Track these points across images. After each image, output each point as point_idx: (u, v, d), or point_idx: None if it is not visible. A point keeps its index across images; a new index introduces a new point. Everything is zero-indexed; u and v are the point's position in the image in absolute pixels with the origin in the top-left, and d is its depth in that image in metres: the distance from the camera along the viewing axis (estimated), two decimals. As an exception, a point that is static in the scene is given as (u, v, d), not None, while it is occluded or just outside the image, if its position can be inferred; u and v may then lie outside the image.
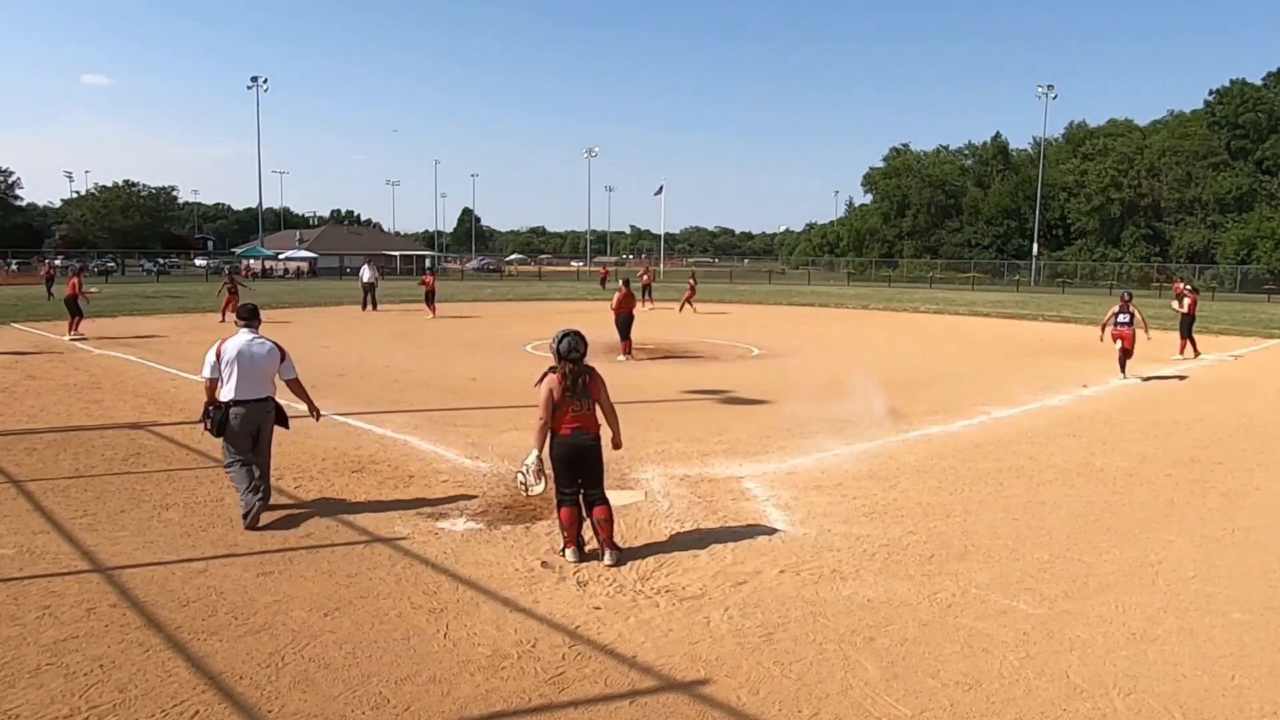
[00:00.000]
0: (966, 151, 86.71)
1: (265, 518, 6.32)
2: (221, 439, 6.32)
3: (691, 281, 32.25)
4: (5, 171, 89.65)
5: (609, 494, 5.87)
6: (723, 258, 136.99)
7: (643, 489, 7.28)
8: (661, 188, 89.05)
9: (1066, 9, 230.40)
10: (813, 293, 47.15)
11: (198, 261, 74.56)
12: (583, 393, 5.56)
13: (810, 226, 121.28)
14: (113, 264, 64.72)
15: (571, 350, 5.59)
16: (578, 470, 5.60)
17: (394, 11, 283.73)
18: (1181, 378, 14.89)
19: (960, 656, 4.31)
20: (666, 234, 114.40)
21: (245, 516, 6.14)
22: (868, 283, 64.79)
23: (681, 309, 30.09)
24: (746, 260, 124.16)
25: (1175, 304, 17.91)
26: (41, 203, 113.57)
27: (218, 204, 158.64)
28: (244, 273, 63.03)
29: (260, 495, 6.21)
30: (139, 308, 28.19)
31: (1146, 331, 14.44)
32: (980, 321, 28.56)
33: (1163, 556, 5.81)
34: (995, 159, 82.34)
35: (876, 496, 7.16)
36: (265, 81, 68.69)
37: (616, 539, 5.70)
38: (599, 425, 5.69)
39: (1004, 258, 70.57)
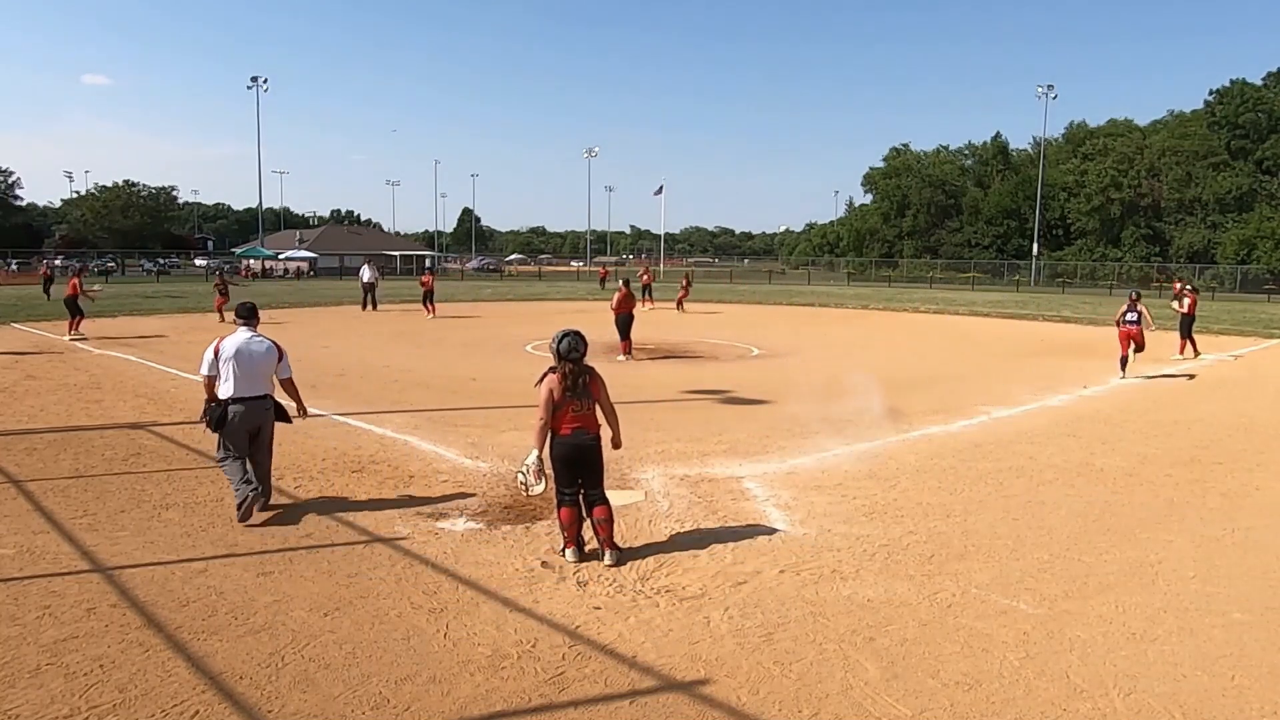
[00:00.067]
0: (966, 151, 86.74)
1: (265, 517, 6.34)
2: (219, 435, 6.36)
3: (685, 281, 32.84)
4: (5, 171, 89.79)
5: (609, 494, 5.87)
6: (723, 258, 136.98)
7: (643, 489, 7.28)
8: (661, 188, 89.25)
9: (1066, 9, 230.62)
10: (813, 293, 47.15)
11: (198, 261, 74.54)
12: (583, 393, 5.56)
13: (810, 226, 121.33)
14: (113, 264, 64.72)
15: (571, 350, 5.59)
16: (578, 470, 5.60)
17: (394, 11, 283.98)
18: (1190, 376, 14.99)
19: (960, 656, 4.31)
20: (666, 234, 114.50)
21: (239, 507, 6.18)
22: (868, 283, 64.79)
23: (679, 306, 30.53)
24: (746, 260, 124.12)
25: (1175, 304, 17.92)
26: (41, 203, 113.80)
27: (218, 204, 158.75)
28: (244, 273, 63.14)
29: (254, 486, 6.24)
30: (139, 308, 28.19)
31: (1150, 327, 14.56)
32: (980, 321, 28.56)
33: (1163, 556, 5.81)
34: (995, 159, 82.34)
35: (876, 496, 7.16)
36: (265, 81, 68.78)
37: (616, 539, 5.70)
38: (599, 425, 5.69)
39: (1004, 258, 70.57)
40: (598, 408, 5.68)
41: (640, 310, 21.10)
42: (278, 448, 6.97)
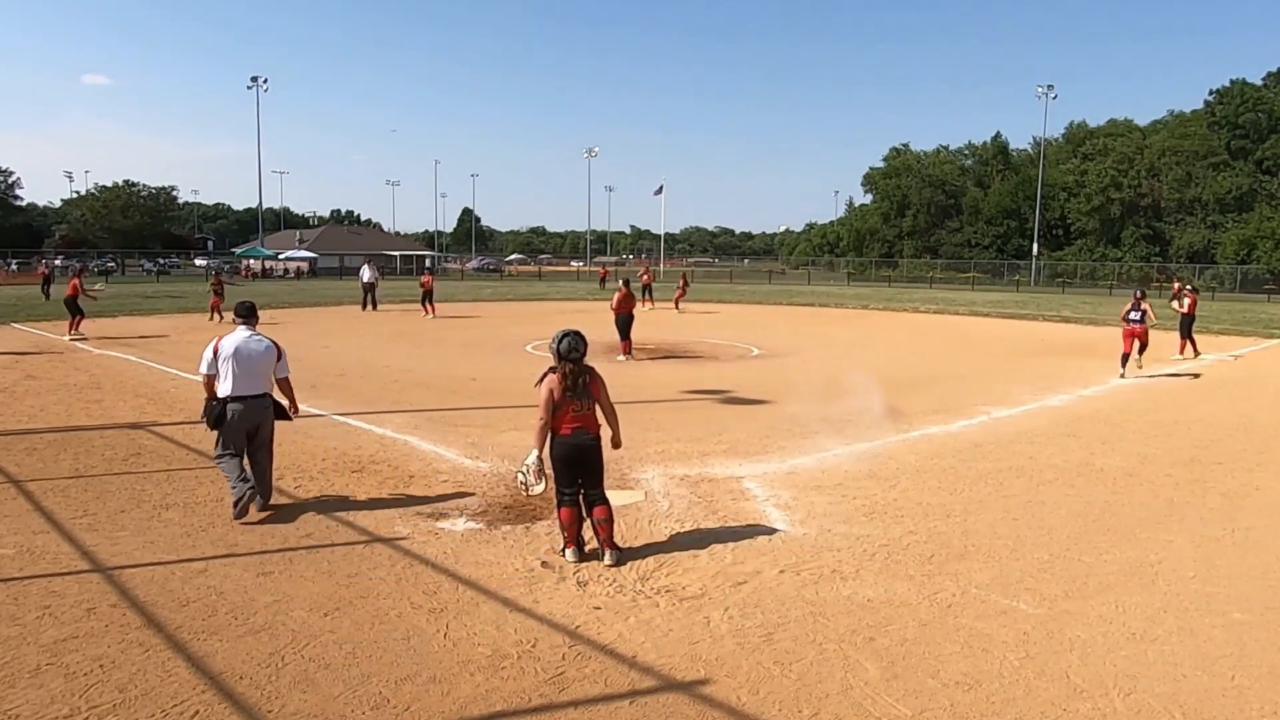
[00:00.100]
0: (966, 151, 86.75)
1: (261, 515, 6.35)
2: (217, 432, 6.41)
3: (682, 281, 33.26)
4: (5, 171, 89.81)
5: (609, 494, 5.87)
6: (723, 258, 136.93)
7: (643, 489, 7.28)
8: (661, 187, 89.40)
9: (1066, 9, 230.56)
10: (813, 293, 47.15)
11: (198, 261, 74.56)
12: (583, 393, 5.56)
13: (810, 226, 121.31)
14: (113, 264, 64.73)
15: (571, 350, 5.59)
16: (578, 470, 5.60)
17: (394, 11, 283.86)
18: (1196, 375, 15.05)
19: (960, 656, 4.31)
20: (666, 234, 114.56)
21: (235, 505, 6.22)
22: (868, 283, 64.78)
23: (675, 305, 30.78)
24: (746, 260, 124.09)
25: (1175, 304, 17.92)
26: (41, 203, 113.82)
27: (218, 204, 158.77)
28: (244, 273, 63.14)
29: (250, 485, 6.28)
30: (139, 308, 28.18)
31: (1152, 321, 14.70)
32: (980, 321, 28.56)
33: (1163, 556, 5.81)
34: (995, 159, 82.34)
35: (876, 496, 7.16)
36: (265, 81, 68.81)
37: (616, 539, 5.70)
38: (599, 425, 5.69)
39: (1004, 258, 70.57)
40: (598, 408, 5.68)
41: (640, 310, 21.11)
42: (278, 448, 6.97)
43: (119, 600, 4.81)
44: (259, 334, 6.62)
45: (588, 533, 5.73)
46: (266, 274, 65.31)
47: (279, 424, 6.79)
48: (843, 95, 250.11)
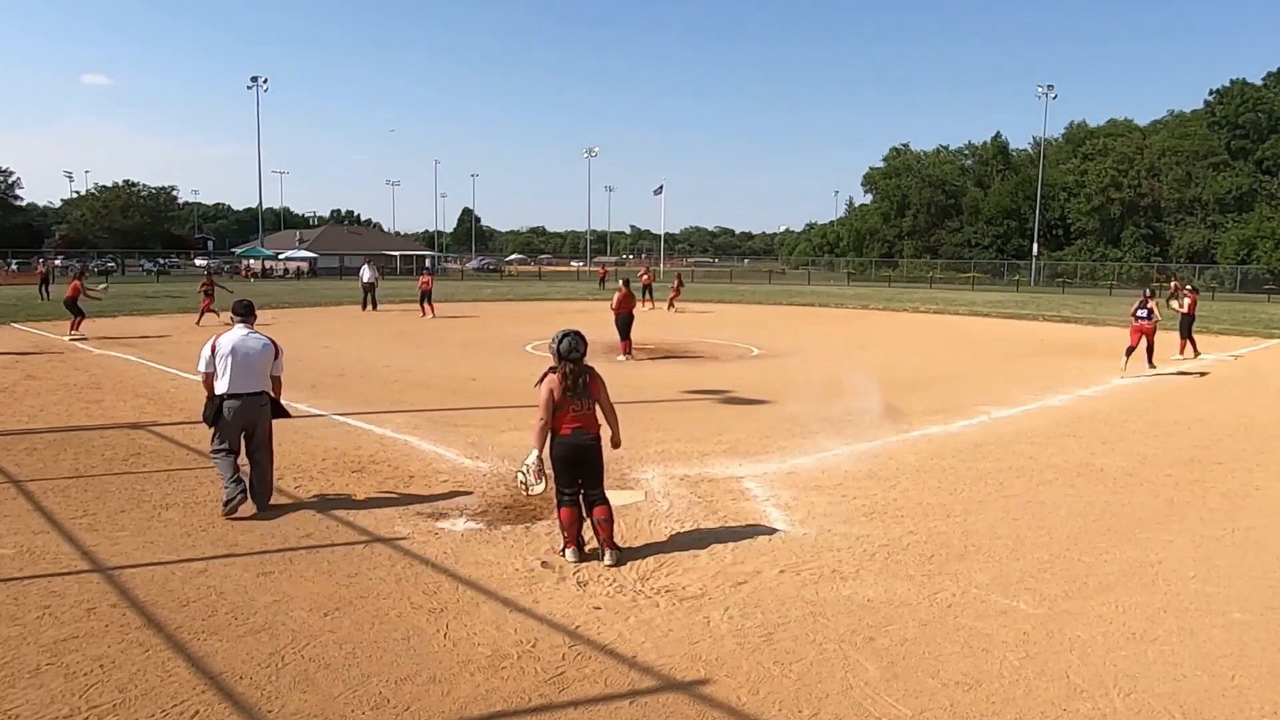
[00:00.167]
0: (966, 151, 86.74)
1: (261, 515, 6.34)
2: (213, 429, 6.47)
3: (677, 282, 33.55)
4: (5, 171, 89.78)
5: (609, 494, 5.87)
6: (723, 258, 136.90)
7: (643, 489, 7.28)
8: (661, 187, 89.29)
9: (1066, 9, 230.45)
10: (813, 293, 47.15)
11: (198, 261, 74.54)
12: (583, 393, 5.56)
13: (810, 226, 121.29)
14: (113, 264, 64.72)
15: (572, 350, 5.59)
16: (578, 470, 5.60)
17: (394, 11, 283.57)
18: (1203, 374, 15.18)
19: (960, 656, 4.31)
20: (666, 234, 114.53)
21: (225, 505, 6.31)
22: (868, 283, 64.79)
23: (670, 306, 30.84)
24: (746, 260, 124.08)
25: (1174, 303, 17.92)
26: (41, 203, 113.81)
27: (218, 204, 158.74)
28: (244, 273, 63.12)
29: (242, 487, 6.36)
30: (139, 308, 28.18)
31: (1158, 319, 15.09)
32: (980, 321, 28.56)
33: (1163, 556, 5.81)
34: (995, 159, 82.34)
35: (876, 496, 7.16)
36: (265, 81, 68.88)
37: (616, 539, 5.70)
38: (599, 425, 5.70)
39: (1004, 258, 70.57)
40: (598, 408, 5.68)
41: (640, 310, 21.11)
42: (277, 448, 6.97)
43: (119, 600, 4.81)
44: (256, 332, 6.66)
45: (588, 533, 5.73)
46: (266, 274, 65.31)
47: (279, 424, 6.84)
48: (843, 95, 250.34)
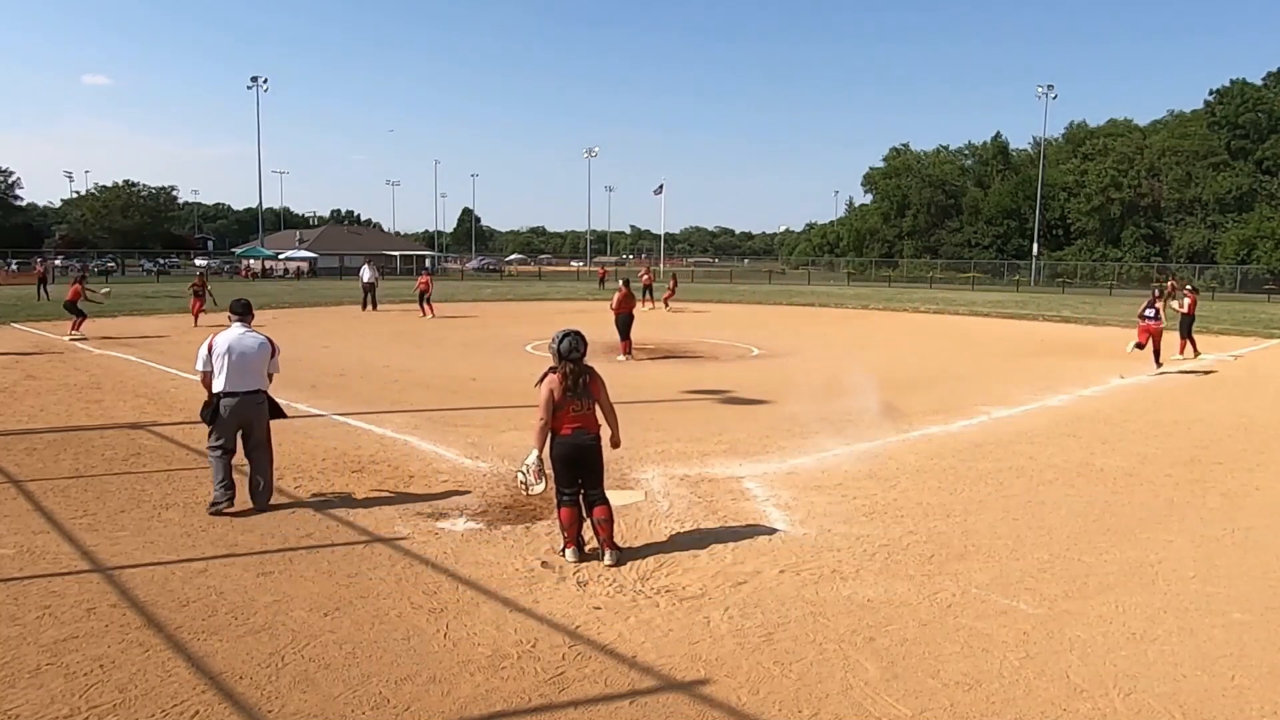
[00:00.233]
0: (966, 151, 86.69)
1: (266, 517, 6.36)
2: (210, 426, 6.52)
3: (672, 283, 34.01)
4: (5, 171, 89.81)
5: (609, 494, 5.88)
6: (723, 258, 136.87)
7: (643, 489, 7.28)
8: (661, 187, 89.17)
9: (1066, 9, 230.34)
10: (813, 293, 47.14)
11: (198, 261, 74.42)
12: (583, 393, 5.56)
13: (810, 226, 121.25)
14: (113, 264, 64.73)
15: (572, 350, 5.59)
16: (578, 470, 5.60)
17: (394, 11, 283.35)
18: (1208, 373, 15.26)
19: (960, 656, 4.31)
20: (666, 234, 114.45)
21: (211, 506, 6.41)
22: (868, 283, 64.78)
23: (667, 304, 31.01)
24: (746, 260, 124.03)
25: (1174, 303, 17.91)
26: (41, 203, 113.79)
27: (218, 204, 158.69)
28: (244, 273, 63.10)
29: (231, 492, 6.44)
30: (139, 308, 28.17)
31: (1163, 321, 15.33)
32: (980, 321, 28.56)
33: (1163, 556, 5.81)
34: (995, 159, 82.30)
35: (876, 496, 7.16)
36: (265, 81, 68.83)
37: (616, 539, 5.70)
38: (599, 425, 5.70)
39: (1004, 258, 70.55)
40: (598, 408, 5.69)
41: (640, 310, 21.11)
42: (278, 448, 6.98)
43: (119, 600, 4.81)
44: (254, 331, 6.69)
45: (588, 533, 5.73)
46: (266, 274, 65.30)
47: (279, 424, 6.85)
48: (843, 95, 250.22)
